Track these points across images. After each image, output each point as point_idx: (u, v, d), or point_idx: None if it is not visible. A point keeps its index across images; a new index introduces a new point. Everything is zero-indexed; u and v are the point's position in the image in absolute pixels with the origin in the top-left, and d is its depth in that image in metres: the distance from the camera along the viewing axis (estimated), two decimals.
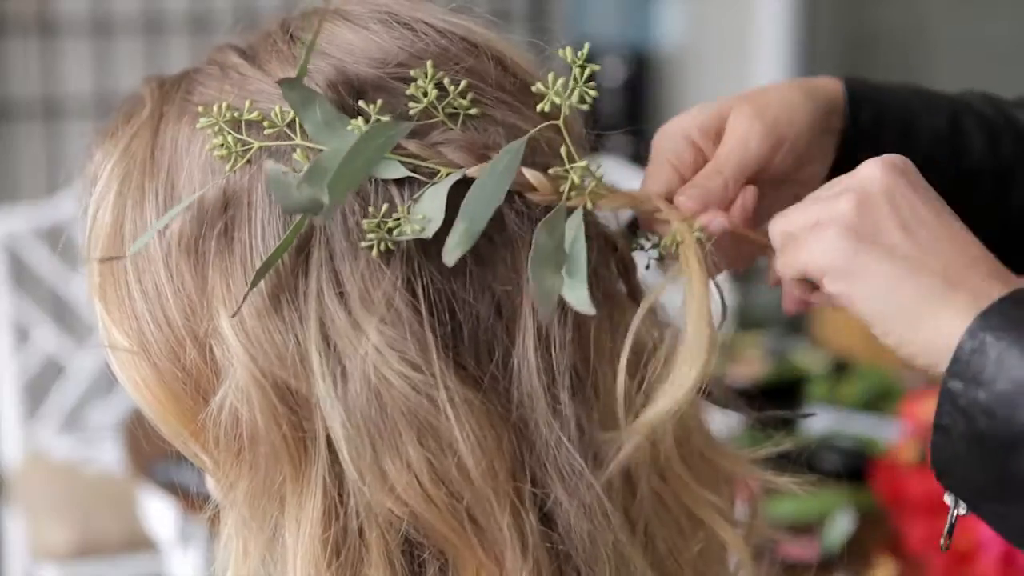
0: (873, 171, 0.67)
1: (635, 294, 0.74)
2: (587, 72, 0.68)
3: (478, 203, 0.65)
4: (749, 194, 0.74)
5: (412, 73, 0.67)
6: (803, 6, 3.52)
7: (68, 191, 2.74)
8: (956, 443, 0.62)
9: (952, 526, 0.67)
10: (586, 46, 0.68)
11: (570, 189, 0.68)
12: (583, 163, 0.68)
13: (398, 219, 0.65)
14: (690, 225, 0.71)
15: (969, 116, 0.83)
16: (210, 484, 0.74)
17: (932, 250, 0.65)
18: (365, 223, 0.65)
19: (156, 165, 0.70)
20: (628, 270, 0.73)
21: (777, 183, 0.77)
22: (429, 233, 0.65)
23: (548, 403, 0.67)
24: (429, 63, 0.67)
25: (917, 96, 0.83)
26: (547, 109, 0.68)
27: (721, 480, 0.74)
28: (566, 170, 0.68)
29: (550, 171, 0.68)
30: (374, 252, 0.65)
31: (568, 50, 0.68)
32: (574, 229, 0.67)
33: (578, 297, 0.65)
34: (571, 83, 0.68)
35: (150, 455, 2.12)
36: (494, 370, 0.67)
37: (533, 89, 0.69)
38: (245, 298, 0.66)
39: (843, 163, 0.77)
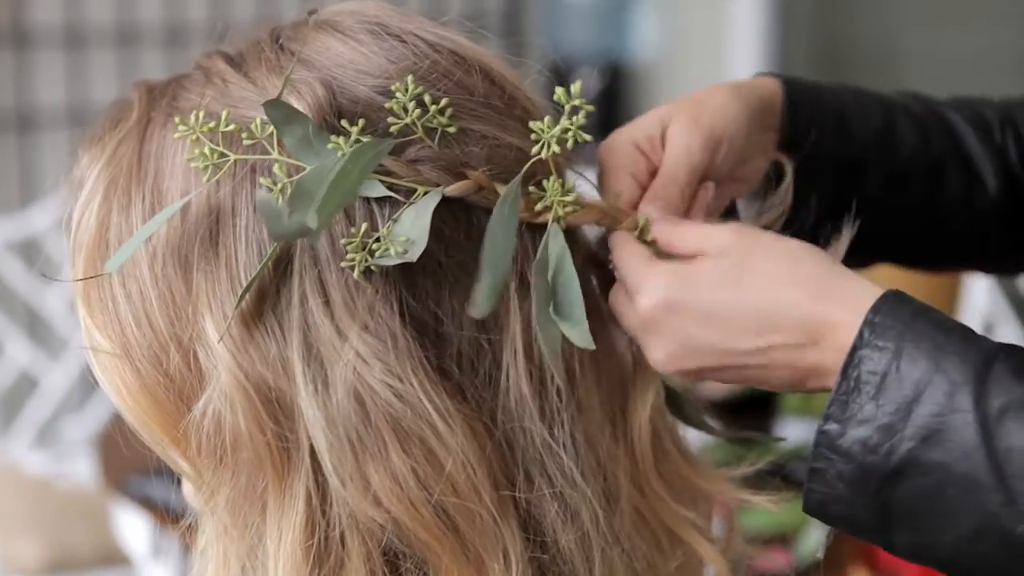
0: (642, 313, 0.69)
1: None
2: (581, 115, 0.69)
3: (494, 254, 0.65)
4: (709, 192, 0.75)
5: (393, 87, 0.67)
6: (777, 17, 3.54)
7: (41, 203, 2.73)
8: (832, 483, 0.64)
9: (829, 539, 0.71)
10: (579, 84, 0.69)
11: (544, 209, 0.68)
12: (557, 184, 0.68)
13: (378, 239, 0.65)
14: (632, 231, 0.71)
15: (902, 115, 0.85)
16: (187, 491, 0.73)
17: (765, 311, 0.66)
18: (346, 243, 0.65)
19: (143, 170, 0.70)
20: (609, 287, 0.74)
21: (720, 181, 0.78)
22: (413, 256, 0.65)
23: (538, 411, 0.68)
24: (409, 78, 0.67)
25: (853, 96, 0.85)
26: (543, 155, 0.68)
27: (699, 497, 0.74)
28: (540, 188, 0.69)
29: (530, 188, 0.68)
30: (355, 273, 0.65)
31: (561, 91, 0.68)
32: (557, 254, 0.67)
33: (579, 332, 0.66)
34: (566, 124, 0.68)
35: (124, 469, 2.11)
36: (480, 379, 0.67)
37: (532, 126, 0.69)
38: (235, 311, 0.66)
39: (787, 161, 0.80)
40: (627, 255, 0.70)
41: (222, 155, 0.67)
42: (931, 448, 0.61)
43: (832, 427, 0.63)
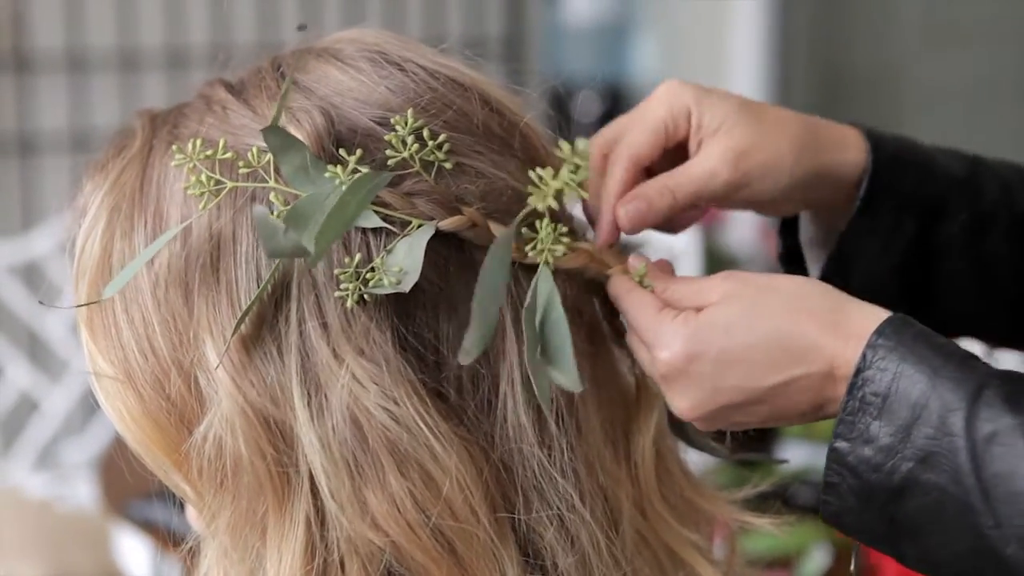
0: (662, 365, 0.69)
1: (619, 334, 0.74)
2: (582, 171, 0.68)
3: (484, 303, 0.65)
4: (695, 218, 0.77)
5: (392, 121, 0.67)
6: (777, 43, 3.55)
7: (43, 227, 2.73)
8: (845, 497, 0.66)
9: (857, 557, 0.74)
10: (585, 142, 0.68)
11: (532, 248, 0.69)
12: (548, 229, 0.68)
13: (372, 268, 0.66)
14: (630, 277, 0.71)
15: (985, 167, 0.85)
16: (191, 515, 0.74)
17: (776, 348, 0.67)
18: (340, 273, 0.66)
19: (145, 197, 0.70)
20: (612, 311, 0.74)
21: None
22: (406, 287, 0.66)
23: (536, 436, 0.68)
24: (410, 112, 0.68)
25: (936, 148, 0.85)
26: (539, 206, 0.68)
27: (701, 518, 0.75)
28: (533, 230, 0.69)
29: (523, 231, 0.68)
30: (349, 302, 0.66)
31: (565, 145, 0.68)
32: (546, 296, 0.67)
33: (568, 376, 0.66)
34: (566, 177, 0.68)
35: (124, 493, 2.11)
36: (477, 404, 0.68)
37: (531, 176, 0.68)
38: (233, 335, 0.66)
39: (868, 202, 0.79)
40: (636, 305, 0.70)
41: (218, 183, 0.67)
42: (928, 470, 0.63)
43: (842, 444, 0.65)
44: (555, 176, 0.68)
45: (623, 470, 0.71)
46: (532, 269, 0.69)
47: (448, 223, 0.67)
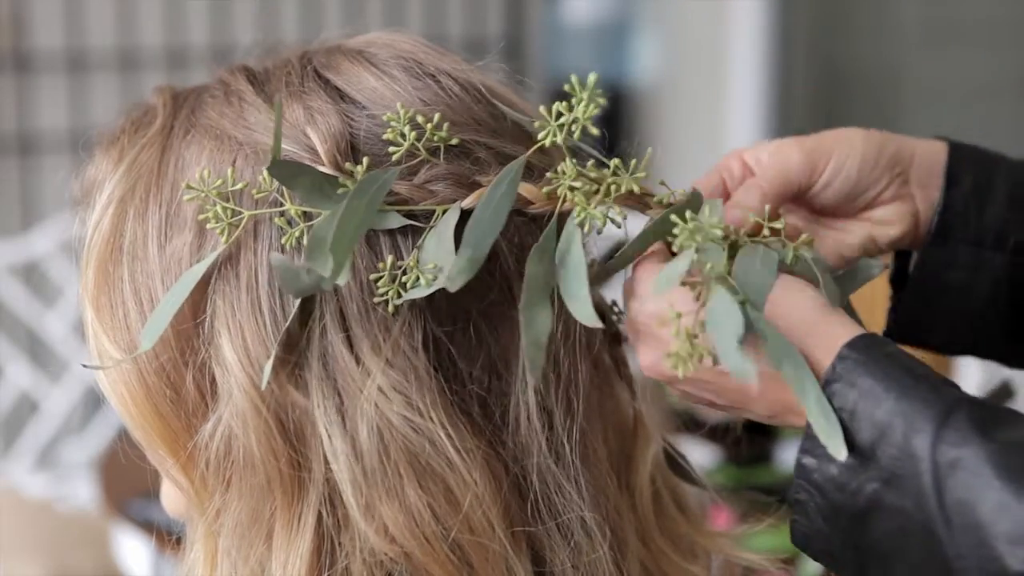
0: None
1: (620, 365, 0.74)
2: (592, 107, 0.66)
3: (480, 230, 0.64)
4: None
5: (385, 117, 0.66)
6: (778, 41, 3.55)
7: (43, 226, 2.73)
8: (813, 517, 0.63)
9: None
10: (593, 76, 0.67)
11: (565, 194, 0.66)
12: (571, 164, 0.66)
13: (405, 270, 0.65)
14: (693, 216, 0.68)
15: None
16: (169, 502, 0.73)
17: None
18: (375, 278, 0.64)
19: (163, 179, 0.69)
20: (615, 342, 0.74)
21: (841, 214, 0.77)
22: (442, 281, 0.64)
23: (552, 455, 0.68)
24: (399, 104, 0.66)
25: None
26: (548, 143, 0.67)
27: (700, 550, 0.75)
28: (557, 173, 0.66)
29: (547, 175, 0.67)
30: (390, 307, 0.64)
31: (575, 79, 0.66)
32: (569, 238, 0.65)
33: (582, 309, 0.64)
34: (575, 115, 0.66)
35: (125, 492, 2.11)
36: (497, 418, 0.67)
37: (537, 125, 0.67)
38: (272, 359, 0.65)
39: (944, 223, 0.77)
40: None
41: (235, 213, 0.66)
42: (892, 491, 0.60)
43: (809, 460, 0.62)
44: (570, 110, 0.66)
45: (625, 501, 0.71)
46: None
47: (471, 199, 0.66)
